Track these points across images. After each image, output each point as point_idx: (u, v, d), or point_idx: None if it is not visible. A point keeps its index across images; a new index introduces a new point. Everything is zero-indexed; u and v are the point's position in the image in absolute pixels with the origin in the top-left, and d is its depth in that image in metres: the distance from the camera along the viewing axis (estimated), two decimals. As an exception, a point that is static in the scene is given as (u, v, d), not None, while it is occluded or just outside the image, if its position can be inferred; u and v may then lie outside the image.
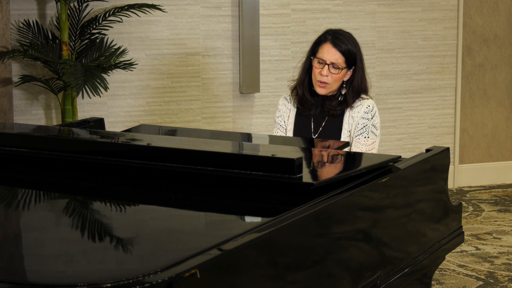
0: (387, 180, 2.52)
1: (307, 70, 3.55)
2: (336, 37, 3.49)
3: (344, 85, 3.51)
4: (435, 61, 6.04)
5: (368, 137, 3.46)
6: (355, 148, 3.47)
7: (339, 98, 3.51)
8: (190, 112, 5.48)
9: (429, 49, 6.01)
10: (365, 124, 3.47)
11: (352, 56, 3.48)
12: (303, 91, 3.53)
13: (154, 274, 1.69)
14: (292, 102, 3.60)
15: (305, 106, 3.54)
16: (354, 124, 3.48)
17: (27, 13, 5.04)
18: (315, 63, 3.49)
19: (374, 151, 3.48)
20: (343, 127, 3.49)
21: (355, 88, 3.49)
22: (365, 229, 2.43)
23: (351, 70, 3.50)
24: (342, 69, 3.46)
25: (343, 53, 3.46)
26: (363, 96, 3.53)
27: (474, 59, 6.19)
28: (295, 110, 3.59)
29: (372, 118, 3.47)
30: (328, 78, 3.45)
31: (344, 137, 3.49)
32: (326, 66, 3.45)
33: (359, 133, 3.46)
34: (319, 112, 3.53)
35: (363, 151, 3.43)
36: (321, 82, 3.46)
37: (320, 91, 3.48)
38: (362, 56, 3.54)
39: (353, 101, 3.50)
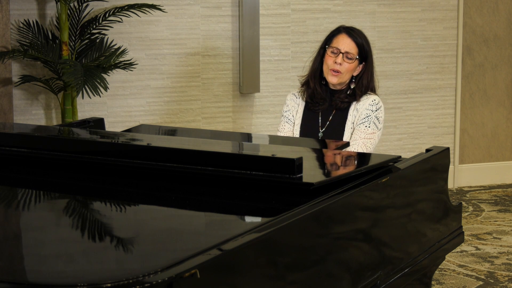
0: (387, 180, 2.52)
1: (319, 62, 3.63)
2: (351, 29, 3.62)
3: (353, 80, 3.59)
4: (435, 61, 6.04)
5: (369, 127, 3.50)
6: (354, 136, 3.51)
7: (348, 92, 3.59)
8: (190, 112, 5.48)
9: (429, 49, 6.01)
10: (368, 115, 3.53)
11: (365, 50, 3.60)
12: (315, 83, 3.61)
13: (154, 274, 1.69)
14: (301, 97, 3.67)
15: (315, 99, 3.61)
16: (357, 115, 3.54)
17: (27, 13, 5.04)
18: (328, 53, 3.58)
19: (373, 142, 3.51)
20: (347, 120, 3.56)
21: (364, 84, 3.59)
22: (365, 229, 2.43)
23: (362, 65, 3.57)
24: (355, 59, 3.55)
25: (357, 44, 3.58)
26: (370, 92, 3.61)
27: (474, 59, 6.19)
28: (303, 104, 3.66)
29: (376, 111, 3.54)
30: (342, 67, 3.54)
31: (347, 129, 3.54)
32: (341, 54, 3.54)
33: (360, 122, 3.52)
34: (327, 107, 3.60)
35: (361, 138, 3.48)
36: (334, 70, 3.54)
37: (332, 79, 3.55)
38: (372, 55, 3.65)
39: (361, 95, 3.58)
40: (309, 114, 3.63)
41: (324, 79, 3.60)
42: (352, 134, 3.54)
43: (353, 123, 3.55)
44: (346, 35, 3.57)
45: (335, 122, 3.58)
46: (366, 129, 3.51)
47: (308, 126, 3.61)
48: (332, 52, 3.55)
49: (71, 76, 4.46)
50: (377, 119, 3.53)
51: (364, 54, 3.58)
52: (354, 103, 3.56)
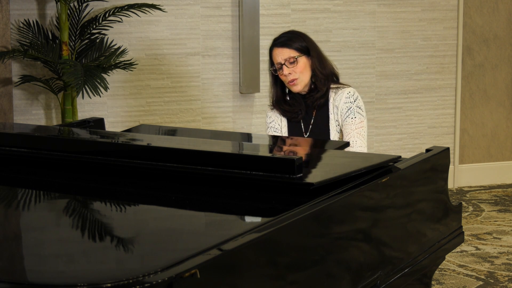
0: (387, 180, 2.52)
1: (274, 84, 3.66)
2: (279, 40, 3.59)
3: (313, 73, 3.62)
4: (435, 61, 6.04)
5: (355, 117, 3.54)
6: (345, 131, 3.55)
7: (312, 86, 3.59)
8: (190, 112, 5.48)
9: (429, 49, 6.01)
10: (349, 107, 3.56)
11: (301, 45, 3.56)
12: (280, 106, 3.64)
13: (154, 274, 1.69)
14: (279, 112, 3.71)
15: (292, 115, 3.63)
16: (339, 112, 3.57)
17: (27, 13, 5.04)
18: (278, 72, 3.58)
19: (365, 130, 3.56)
20: (329, 118, 3.58)
21: (317, 72, 3.57)
22: (365, 229, 2.43)
23: (310, 57, 3.57)
24: (298, 57, 3.53)
25: (290, 47, 3.55)
26: (342, 85, 3.61)
27: (474, 59, 6.19)
28: (285, 119, 3.67)
29: (355, 101, 3.57)
30: (293, 74, 3.55)
31: (332, 127, 3.57)
32: (283, 66, 3.54)
33: (345, 116, 3.56)
34: (305, 112, 3.62)
35: (353, 130, 3.50)
36: (289, 81, 3.56)
37: (295, 89, 3.58)
38: (313, 42, 3.61)
39: (324, 85, 3.57)
40: (292, 124, 3.66)
41: (290, 93, 3.62)
42: (339, 132, 3.56)
43: (336, 120, 3.57)
44: (277, 47, 3.56)
45: (318, 123, 3.60)
46: (354, 120, 3.54)
47: (294, 135, 3.64)
48: (278, 69, 3.56)
49: (71, 76, 4.47)
50: (359, 108, 3.57)
51: (303, 48, 3.56)
52: (331, 100, 3.57)
